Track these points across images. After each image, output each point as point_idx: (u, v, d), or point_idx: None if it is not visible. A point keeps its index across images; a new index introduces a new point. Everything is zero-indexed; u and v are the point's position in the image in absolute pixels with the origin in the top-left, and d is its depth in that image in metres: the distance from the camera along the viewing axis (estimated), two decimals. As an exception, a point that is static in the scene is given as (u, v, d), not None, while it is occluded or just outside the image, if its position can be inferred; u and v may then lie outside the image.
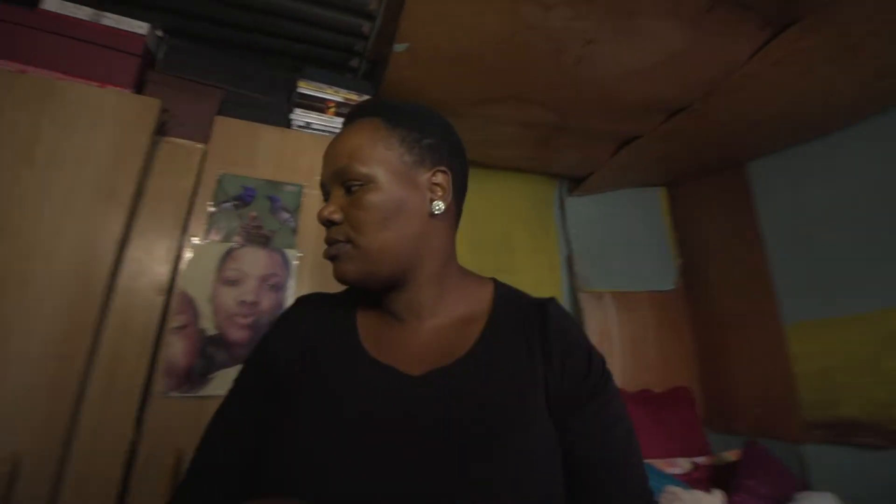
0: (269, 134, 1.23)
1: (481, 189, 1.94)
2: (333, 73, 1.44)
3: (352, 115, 0.55)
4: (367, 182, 0.49)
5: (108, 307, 0.93)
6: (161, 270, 1.00)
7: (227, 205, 1.11)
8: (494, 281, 0.57)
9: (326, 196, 0.53)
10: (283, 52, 1.44)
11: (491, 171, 1.96)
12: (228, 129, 1.19)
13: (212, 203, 1.10)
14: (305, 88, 1.35)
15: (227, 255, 1.06)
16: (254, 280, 1.06)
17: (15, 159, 0.95)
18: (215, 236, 1.07)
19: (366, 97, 1.42)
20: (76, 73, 1.10)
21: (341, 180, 0.50)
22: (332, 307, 0.57)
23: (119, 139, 1.04)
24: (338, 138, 0.53)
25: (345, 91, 1.40)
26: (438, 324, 0.52)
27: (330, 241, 0.50)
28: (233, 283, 1.04)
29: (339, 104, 1.37)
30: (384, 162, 0.49)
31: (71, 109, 1.02)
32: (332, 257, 0.50)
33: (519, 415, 0.45)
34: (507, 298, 0.54)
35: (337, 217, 0.49)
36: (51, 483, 0.80)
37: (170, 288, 1.00)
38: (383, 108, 0.54)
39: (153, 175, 1.07)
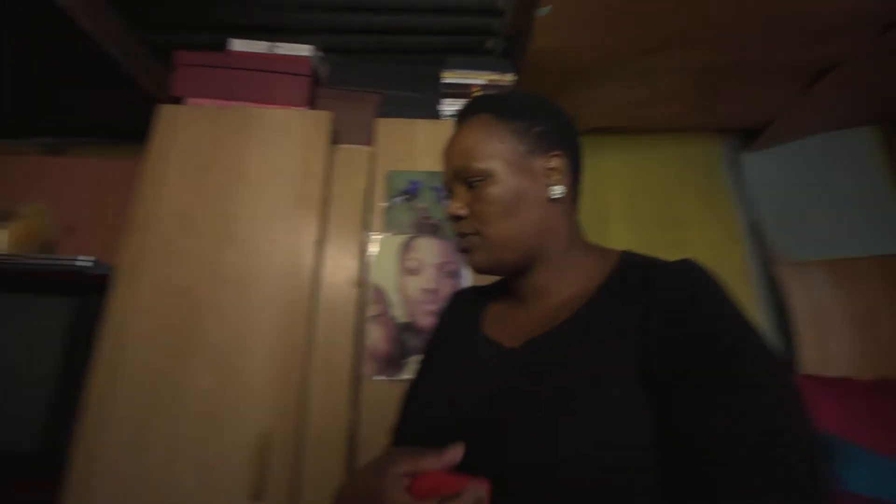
0: (424, 127, 1.25)
1: (636, 159, 1.75)
2: (473, 58, 1.42)
3: (462, 114, 0.58)
4: (486, 177, 0.52)
5: (316, 300, 1.02)
6: (352, 265, 1.08)
7: (398, 199, 1.15)
8: (623, 253, 0.54)
9: (450, 193, 0.57)
10: (425, 48, 1.47)
11: (645, 136, 1.75)
12: (389, 129, 1.24)
13: (384, 199, 1.15)
14: (450, 78, 1.35)
15: (405, 246, 1.09)
16: (431, 268, 1.07)
17: (232, 179, 1.10)
18: (392, 230, 1.12)
19: (508, 75, 1.37)
20: (263, 99, 1.24)
21: (462, 178, 0.54)
22: (475, 298, 0.64)
23: (304, 152, 1.14)
24: (453, 139, 0.57)
25: (487, 73, 1.37)
26: (556, 301, 0.52)
27: (460, 234, 0.55)
28: (413, 272, 1.07)
29: (483, 87, 1.35)
30: (499, 155, 0.52)
31: (265, 132, 1.16)
32: (463, 249, 0.55)
33: (584, 389, 0.42)
34: (629, 266, 0.51)
35: (463, 212, 0.53)
36: (294, 455, 0.89)
37: (362, 280, 1.06)
38: (492, 102, 0.56)
39: (334, 180, 1.16)
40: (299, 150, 1.14)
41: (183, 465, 0.87)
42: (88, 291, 1.04)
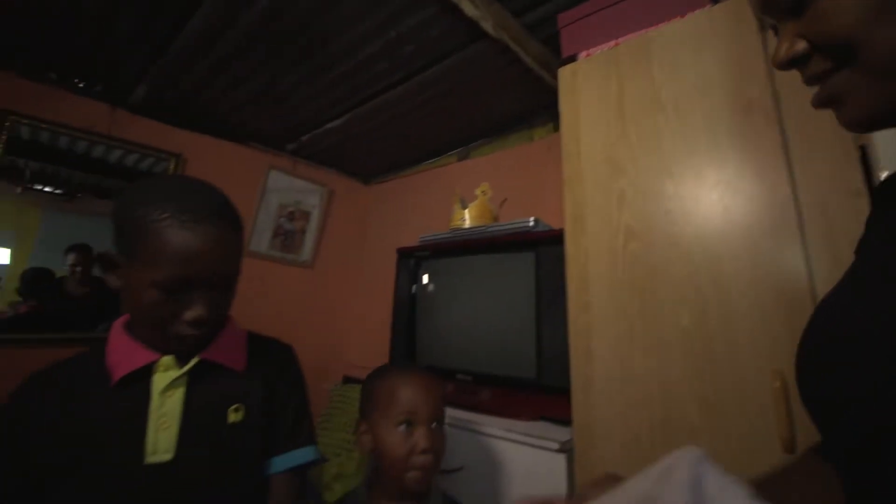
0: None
1: None
2: None
3: None
4: None
5: (801, 219, 0.81)
6: (850, 175, 0.80)
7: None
8: None
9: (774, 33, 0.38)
10: None
11: None
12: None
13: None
14: None
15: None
16: None
17: (648, 111, 1.03)
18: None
19: None
20: (659, 18, 1.12)
21: (783, 4, 0.35)
22: None
23: (728, 54, 0.95)
24: None
25: None
26: None
27: (814, 80, 0.35)
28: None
29: None
30: None
31: (670, 50, 1.04)
32: (825, 102, 0.35)
33: None
34: None
35: (801, 47, 0.34)
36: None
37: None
38: None
39: (779, 76, 0.91)
40: (719, 54, 0.96)
41: (682, 401, 0.85)
42: (538, 245, 1.21)
